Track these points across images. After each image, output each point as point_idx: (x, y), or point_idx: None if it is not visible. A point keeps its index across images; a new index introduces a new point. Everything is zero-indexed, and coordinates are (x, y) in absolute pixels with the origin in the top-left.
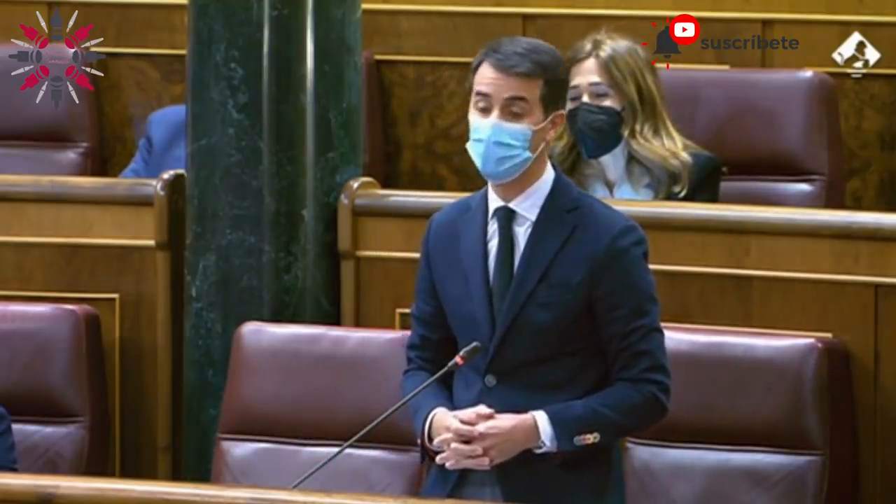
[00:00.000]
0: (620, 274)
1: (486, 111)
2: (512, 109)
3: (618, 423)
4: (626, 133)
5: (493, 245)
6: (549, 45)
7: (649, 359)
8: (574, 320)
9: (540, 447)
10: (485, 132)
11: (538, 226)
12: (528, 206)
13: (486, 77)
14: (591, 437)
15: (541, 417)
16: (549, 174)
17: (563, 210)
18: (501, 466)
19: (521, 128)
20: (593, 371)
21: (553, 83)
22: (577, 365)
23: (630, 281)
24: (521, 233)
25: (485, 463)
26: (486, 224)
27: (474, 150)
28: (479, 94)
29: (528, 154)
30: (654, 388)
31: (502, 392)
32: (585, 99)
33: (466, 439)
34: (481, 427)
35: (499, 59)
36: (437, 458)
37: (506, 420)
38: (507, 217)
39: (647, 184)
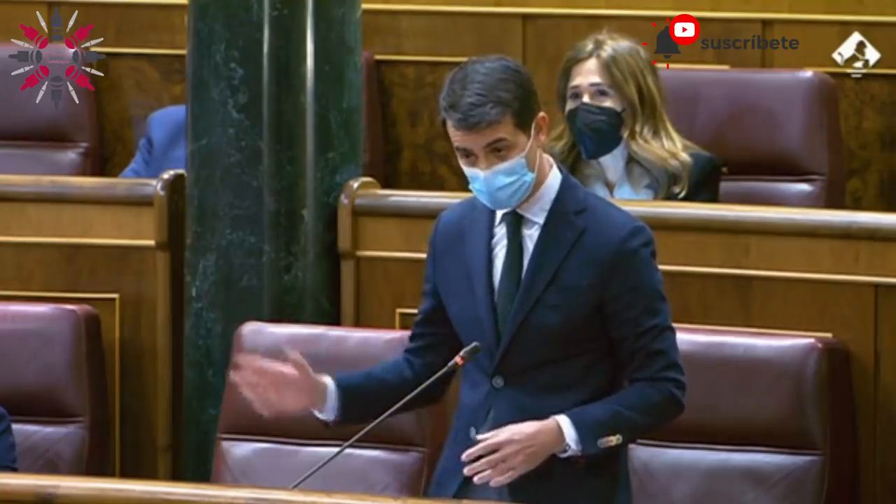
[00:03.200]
0: (630, 275)
1: (471, 160)
2: (496, 150)
3: (638, 423)
4: (625, 134)
5: (500, 249)
6: (499, 62)
7: (664, 358)
8: (583, 322)
9: (565, 451)
10: (482, 183)
11: (546, 229)
12: (536, 211)
13: (456, 134)
14: (615, 439)
15: (564, 421)
16: (554, 176)
17: (570, 212)
18: None
19: (513, 162)
20: (601, 371)
21: (521, 104)
22: (584, 366)
23: (640, 282)
24: (530, 237)
25: (505, 477)
26: (492, 227)
27: (479, 195)
28: (457, 148)
29: (530, 175)
30: (671, 385)
31: (510, 393)
32: (586, 99)
33: (491, 450)
34: (505, 434)
35: (460, 120)
36: (466, 471)
37: (528, 426)
38: (516, 222)
39: (646, 185)
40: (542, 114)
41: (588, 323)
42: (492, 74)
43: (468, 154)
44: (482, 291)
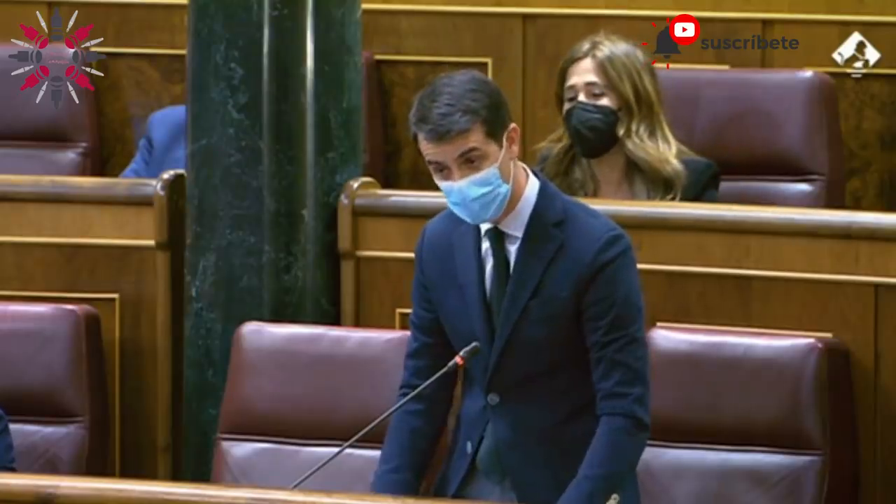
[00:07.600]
0: (604, 285)
1: (445, 174)
2: (468, 161)
3: (616, 472)
4: (621, 132)
5: (490, 263)
6: (467, 75)
7: (624, 370)
8: (567, 333)
9: None
10: (457, 195)
11: (525, 243)
12: (516, 226)
13: (428, 147)
14: (613, 501)
15: None
16: (531, 187)
17: (548, 224)
18: (512, 469)
19: (486, 173)
20: (591, 380)
21: (491, 114)
22: (575, 375)
23: (612, 291)
24: (513, 251)
25: None
26: (479, 241)
27: (456, 210)
28: (430, 162)
29: (505, 187)
30: (626, 402)
31: (505, 409)
32: (581, 98)
33: None
34: None
35: (431, 131)
36: None
37: None
38: (498, 237)
39: (645, 196)
40: (513, 125)
41: (572, 333)
42: (460, 86)
43: (441, 168)
44: (476, 306)
